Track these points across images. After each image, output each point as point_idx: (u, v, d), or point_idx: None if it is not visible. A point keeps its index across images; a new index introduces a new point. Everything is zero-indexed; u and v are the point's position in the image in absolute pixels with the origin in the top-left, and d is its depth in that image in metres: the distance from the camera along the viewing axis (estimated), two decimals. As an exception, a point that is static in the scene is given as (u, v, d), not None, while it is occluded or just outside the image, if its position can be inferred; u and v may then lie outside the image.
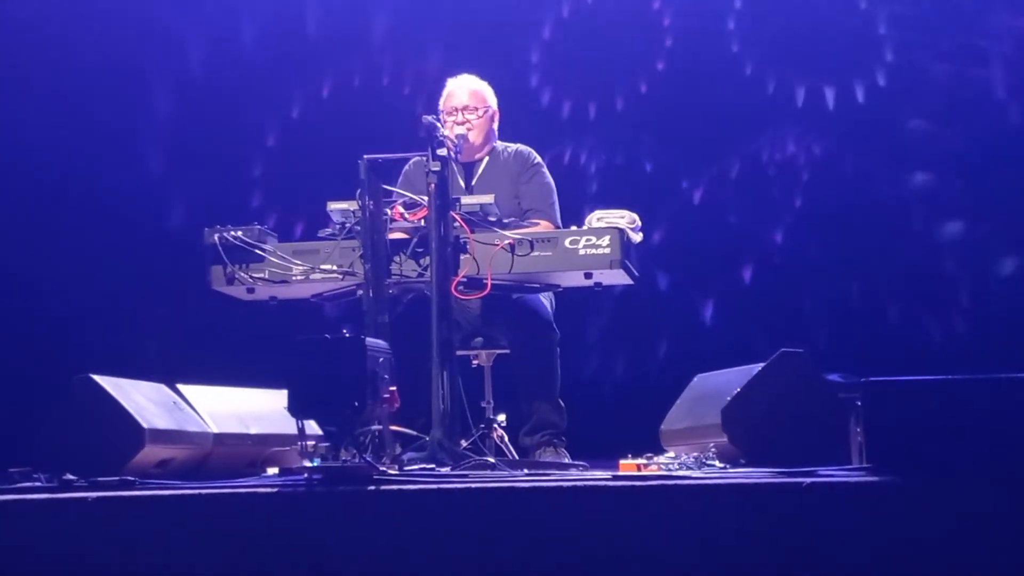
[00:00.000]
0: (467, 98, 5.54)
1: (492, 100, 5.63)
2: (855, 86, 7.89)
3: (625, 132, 8.07)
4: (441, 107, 5.58)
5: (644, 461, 4.35)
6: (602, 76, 8.07)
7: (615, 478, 3.77)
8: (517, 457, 5.15)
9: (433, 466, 4.19)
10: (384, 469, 3.88)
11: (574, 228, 4.91)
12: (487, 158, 5.59)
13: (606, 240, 4.76)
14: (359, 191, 4.67)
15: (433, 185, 4.57)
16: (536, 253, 4.80)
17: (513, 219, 5.12)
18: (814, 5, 7.89)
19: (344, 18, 8.06)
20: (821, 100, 7.92)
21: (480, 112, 5.53)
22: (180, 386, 4.79)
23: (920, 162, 7.79)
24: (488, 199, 4.90)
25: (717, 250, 7.92)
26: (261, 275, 4.92)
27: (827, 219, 7.88)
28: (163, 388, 4.72)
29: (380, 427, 4.09)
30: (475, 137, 5.49)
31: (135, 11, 7.86)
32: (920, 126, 7.75)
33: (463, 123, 5.46)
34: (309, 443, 4.00)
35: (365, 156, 4.65)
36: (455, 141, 5.10)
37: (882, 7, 7.87)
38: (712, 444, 4.37)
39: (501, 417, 5.28)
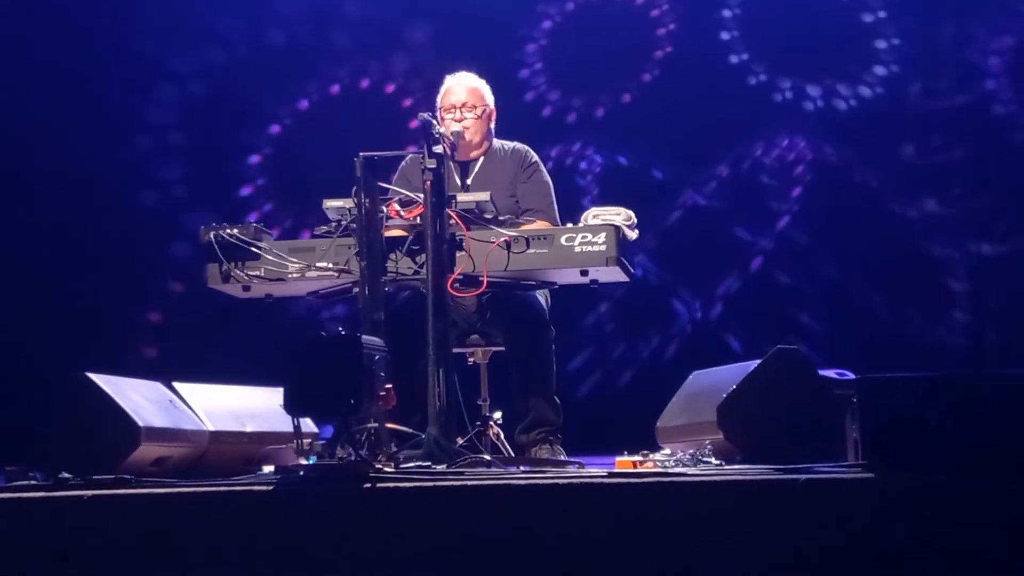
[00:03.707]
0: (465, 95, 5.50)
1: (490, 98, 5.59)
2: (854, 87, 7.91)
3: (623, 132, 8.07)
4: (439, 104, 5.55)
5: (640, 458, 4.34)
6: (600, 76, 8.08)
7: (611, 475, 3.77)
8: (513, 454, 5.15)
9: (429, 464, 4.17)
10: (380, 467, 3.88)
11: (570, 225, 4.91)
12: (484, 156, 5.57)
13: (602, 237, 4.75)
14: (355, 188, 4.66)
15: (429, 182, 4.56)
16: (532, 250, 4.78)
17: (509, 216, 5.10)
18: (813, 8, 7.92)
19: (347, 17, 8.08)
20: (818, 101, 7.94)
21: (478, 110, 5.49)
22: (176, 384, 4.78)
23: (917, 160, 7.80)
24: (484, 196, 4.88)
25: (714, 247, 7.93)
26: (257, 273, 4.90)
27: (824, 217, 7.89)
28: (159, 386, 4.72)
29: (376, 425, 4.09)
30: (472, 135, 5.45)
31: (136, 9, 7.87)
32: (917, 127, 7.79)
33: (460, 120, 5.43)
34: (305, 441, 4.00)
35: (361, 153, 4.63)
36: (451, 138, 5.09)
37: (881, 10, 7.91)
38: (708, 441, 4.37)
39: (497, 414, 5.28)
